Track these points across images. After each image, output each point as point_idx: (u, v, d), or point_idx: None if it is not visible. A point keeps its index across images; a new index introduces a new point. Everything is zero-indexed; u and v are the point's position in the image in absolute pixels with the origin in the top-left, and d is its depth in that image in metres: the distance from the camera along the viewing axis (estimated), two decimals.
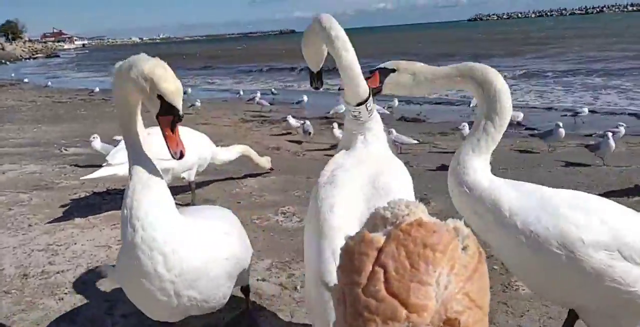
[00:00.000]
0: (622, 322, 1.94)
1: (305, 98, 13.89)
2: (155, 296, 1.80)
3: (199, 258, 1.84)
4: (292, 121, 9.46)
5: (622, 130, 7.71)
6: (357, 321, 0.50)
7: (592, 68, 19.68)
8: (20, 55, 75.34)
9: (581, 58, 23.49)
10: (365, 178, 1.83)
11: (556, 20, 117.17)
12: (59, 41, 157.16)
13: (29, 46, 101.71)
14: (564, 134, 7.65)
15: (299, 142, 9.09)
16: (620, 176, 5.55)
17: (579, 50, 27.06)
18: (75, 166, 6.53)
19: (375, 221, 0.56)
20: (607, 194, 4.31)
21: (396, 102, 12.46)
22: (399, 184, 1.83)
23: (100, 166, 6.13)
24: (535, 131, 8.88)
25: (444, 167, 6.35)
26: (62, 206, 4.79)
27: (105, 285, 3.19)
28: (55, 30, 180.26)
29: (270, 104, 13.98)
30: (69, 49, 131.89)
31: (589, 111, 10.48)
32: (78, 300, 3.02)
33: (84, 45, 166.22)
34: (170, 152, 1.75)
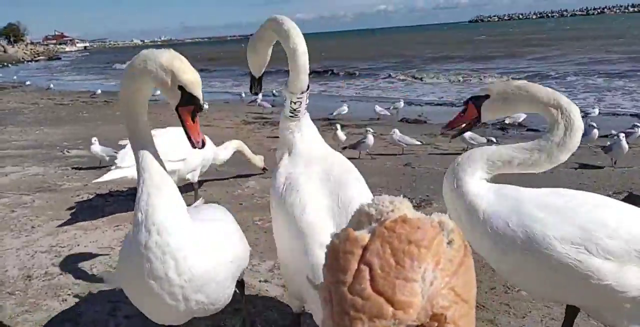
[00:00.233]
0: (608, 317, 1.97)
1: None
2: (163, 300, 1.79)
3: (208, 263, 1.84)
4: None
5: (638, 131, 7.65)
6: (343, 320, 0.51)
7: (594, 69, 19.69)
8: (22, 58, 75.50)
9: (583, 59, 23.49)
10: (320, 175, 2.02)
11: (557, 22, 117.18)
12: (60, 44, 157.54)
13: (31, 49, 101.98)
14: (597, 135, 7.62)
15: None
16: (622, 177, 5.56)
17: (580, 52, 27.06)
18: (78, 168, 6.55)
19: (360, 218, 0.56)
20: (610, 196, 4.31)
21: (402, 103, 12.46)
22: (352, 176, 2.04)
23: (101, 168, 6.21)
24: (539, 133, 8.87)
25: (445, 168, 6.36)
26: (65, 208, 4.80)
27: (108, 286, 3.20)
28: (57, 33, 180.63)
29: (272, 106, 14.00)
30: (71, 51, 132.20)
31: None
32: (81, 301, 3.03)
33: (85, 47, 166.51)
34: (192, 141, 1.77)
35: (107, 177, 4.12)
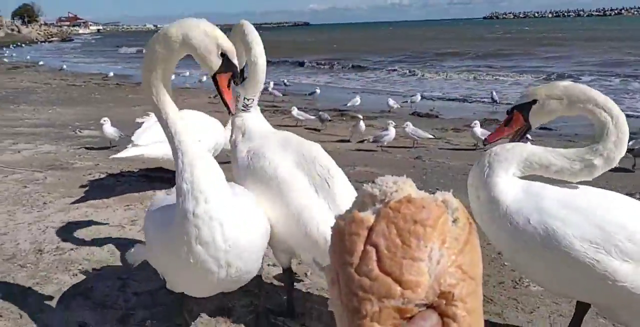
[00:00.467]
0: (622, 315, 1.97)
1: (317, 90, 13.88)
2: (207, 266, 1.84)
3: (248, 231, 1.94)
4: (295, 113, 9.53)
5: None
6: (352, 301, 0.51)
7: (610, 71, 19.40)
8: (36, 38, 75.85)
9: (599, 60, 23.17)
10: (280, 142, 2.38)
11: (573, 21, 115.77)
12: (74, 26, 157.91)
13: (45, 29, 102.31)
14: None
15: (311, 133, 9.09)
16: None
17: (596, 52, 26.69)
18: (90, 148, 6.59)
19: (363, 199, 0.56)
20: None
21: (418, 96, 12.39)
22: (305, 140, 2.38)
23: (111, 148, 6.25)
24: (551, 131, 8.81)
25: (455, 163, 6.34)
26: (77, 186, 4.84)
27: (118, 263, 3.23)
28: (70, 15, 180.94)
29: (283, 95, 13.99)
30: (84, 33, 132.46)
31: None
32: (91, 276, 3.06)
33: (98, 30, 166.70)
34: (227, 107, 1.91)
35: (123, 154, 4.16)
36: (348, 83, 19.62)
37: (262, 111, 10.13)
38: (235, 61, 1.86)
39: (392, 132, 7.36)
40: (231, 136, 2.57)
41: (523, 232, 1.92)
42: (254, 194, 2.23)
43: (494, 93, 12.64)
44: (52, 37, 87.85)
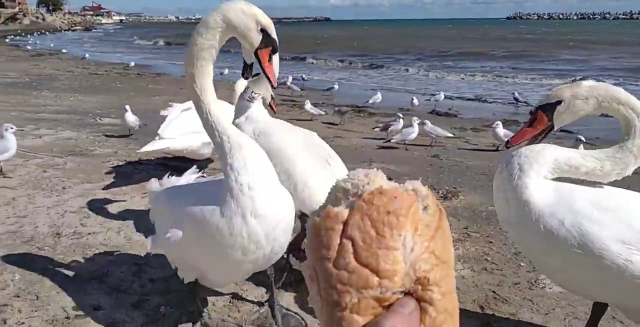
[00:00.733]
0: None
1: (336, 86, 13.85)
2: (258, 239, 1.89)
3: (290, 206, 2.03)
4: (308, 106, 9.57)
5: None
6: (331, 295, 0.52)
7: (634, 76, 19.01)
8: (60, 27, 76.93)
9: (622, 65, 22.68)
10: (283, 125, 2.69)
11: (599, 24, 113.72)
12: (97, 15, 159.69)
13: (68, 18, 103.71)
14: None
15: (329, 128, 9.09)
16: None
17: (621, 57, 26.15)
18: (110, 136, 6.66)
19: (336, 194, 0.57)
20: None
21: (442, 95, 12.29)
22: (315, 134, 2.61)
23: (129, 136, 6.33)
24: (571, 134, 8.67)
25: (474, 162, 6.28)
26: (96, 172, 4.90)
27: (134, 249, 3.27)
28: (94, 4, 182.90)
29: (301, 89, 13.99)
30: (107, 23, 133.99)
31: None
32: (108, 261, 3.10)
33: (121, 20, 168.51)
34: (269, 80, 1.98)
35: (150, 147, 4.24)
36: (367, 80, 19.52)
37: (279, 105, 10.14)
38: (274, 35, 1.93)
39: (416, 129, 7.35)
40: (234, 119, 2.79)
41: (557, 235, 1.89)
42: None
43: (516, 93, 12.47)
44: (76, 26, 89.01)
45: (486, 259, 3.31)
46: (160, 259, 3.08)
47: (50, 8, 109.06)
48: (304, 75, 16.84)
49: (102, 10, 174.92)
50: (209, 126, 1.98)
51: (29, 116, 7.87)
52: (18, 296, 2.67)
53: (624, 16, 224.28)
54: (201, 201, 1.96)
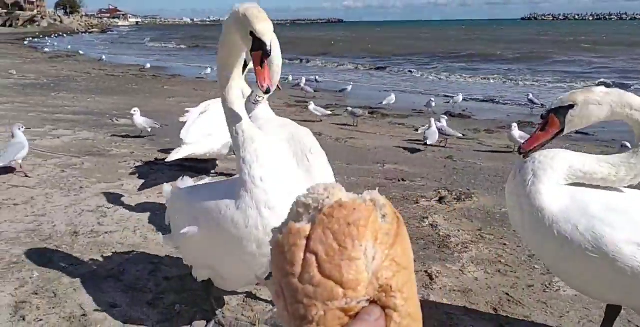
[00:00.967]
0: None
1: (349, 87, 13.85)
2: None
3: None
4: (312, 107, 9.61)
5: None
6: (298, 310, 0.53)
7: None
8: (77, 29, 78.01)
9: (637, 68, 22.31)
10: (280, 126, 2.68)
11: (615, 25, 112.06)
12: (114, 18, 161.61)
13: (85, 21, 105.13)
14: None
15: (342, 129, 9.10)
16: None
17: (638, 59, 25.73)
18: (126, 136, 6.75)
19: (298, 209, 0.59)
20: None
21: (461, 97, 12.25)
22: (305, 131, 2.62)
23: (143, 138, 6.40)
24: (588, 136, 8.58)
25: (487, 164, 6.24)
26: (112, 172, 4.97)
27: (150, 248, 3.31)
28: (111, 7, 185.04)
29: (314, 91, 14.02)
30: (123, 25, 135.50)
31: None
32: (124, 260, 3.15)
33: (137, 23, 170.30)
34: (258, 85, 1.89)
35: (177, 155, 4.32)
36: (379, 81, 19.49)
37: (292, 106, 10.28)
38: (264, 39, 1.84)
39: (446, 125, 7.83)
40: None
41: (571, 240, 1.89)
42: None
43: (531, 95, 12.36)
44: (93, 28, 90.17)
45: (500, 261, 3.29)
46: (176, 258, 3.13)
47: (68, 11, 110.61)
48: (317, 77, 16.88)
49: (118, 13, 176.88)
50: (229, 122, 2.04)
51: (47, 117, 8.00)
52: (36, 293, 2.72)
53: None
54: (216, 196, 2.00)
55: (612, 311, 2.19)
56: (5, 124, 6.76)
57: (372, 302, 0.54)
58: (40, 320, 2.50)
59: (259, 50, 1.85)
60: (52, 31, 62.21)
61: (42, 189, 4.40)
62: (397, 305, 0.55)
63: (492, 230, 3.82)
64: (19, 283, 2.82)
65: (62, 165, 5.16)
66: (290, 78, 16.13)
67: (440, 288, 2.94)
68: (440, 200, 4.48)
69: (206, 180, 2.72)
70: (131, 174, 4.96)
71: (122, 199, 4.20)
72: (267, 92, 1.87)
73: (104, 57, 23.96)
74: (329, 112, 9.84)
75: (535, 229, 2.00)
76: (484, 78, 19.71)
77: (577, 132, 9.44)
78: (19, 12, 73.36)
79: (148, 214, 3.90)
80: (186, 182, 2.54)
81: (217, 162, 5.17)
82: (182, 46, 42.28)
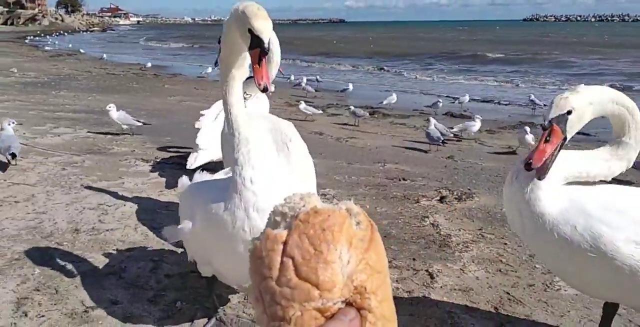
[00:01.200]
0: None
1: (350, 87, 13.86)
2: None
3: None
4: (302, 107, 9.65)
5: None
6: (276, 312, 0.55)
7: None
8: (78, 28, 78.11)
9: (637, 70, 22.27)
10: (261, 119, 2.77)
11: (617, 26, 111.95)
12: (115, 16, 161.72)
13: (87, 19, 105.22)
14: None
15: (343, 129, 9.11)
16: None
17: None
18: (126, 134, 6.75)
19: (275, 218, 0.62)
20: None
21: (467, 97, 12.25)
22: (287, 123, 2.75)
23: (140, 135, 6.37)
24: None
25: (488, 164, 6.24)
26: (113, 170, 4.98)
27: (151, 245, 3.31)
28: (112, 6, 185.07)
29: (315, 90, 14.03)
30: (125, 24, 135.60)
31: None
32: (125, 257, 3.15)
33: (138, 22, 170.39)
34: (255, 83, 1.87)
35: (197, 162, 4.40)
36: (380, 81, 19.50)
37: (292, 106, 10.28)
38: (262, 36, 1.82)
39: (478, 122, 8.02)
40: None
41: (571, 241, 1.90)
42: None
43: (533, 96, 12.36)
44: (94, 27, 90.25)
45: (501, 261, 3.29)
46: (177, 256, 3.14)
47: (69, 9, 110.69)
48: (318, 77, 16.88)
49: (119, 12, 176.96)
50: (229, 123, 2.03)
51: (48, 115, 8.01)
52: (38, 290, 2.72)
53: None
54: (212, 194, 2.01)
55: (610, 309, 2.20)
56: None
57: (348, 304, 0.56)
58: (42, 316, 2.50)
59: (257, 47, 1.84)
60: (53, 30, 62.28)
61: (43, 186, 4.41)
62: (371, 306, 0.57)
63: (492, 229, 3.82)
64: (20, 279, 2.82)
65: (62, 163, 5.16)
66: (292, 78, 16.15)
67: (441, 287, 2.94)
68: (441, 199, 4.49)
69: (221, 174, 2.70)
70: (132, 172, 4.96)
71: (123, 196, 4.21)
72: (264, 90, 1.84)
73: (104, 55, 24.02)
74: (320, 111, 9.86)
75: (537, 234, 2.00)
76: (485, 79, 19.71)
77: (578, 133, 9.46)
78: (20, 11, 73.45)
79: (149, 211, 3.90)
80: (203, 176, 2.53)
81: None
82: (179, 44, 42.32)
